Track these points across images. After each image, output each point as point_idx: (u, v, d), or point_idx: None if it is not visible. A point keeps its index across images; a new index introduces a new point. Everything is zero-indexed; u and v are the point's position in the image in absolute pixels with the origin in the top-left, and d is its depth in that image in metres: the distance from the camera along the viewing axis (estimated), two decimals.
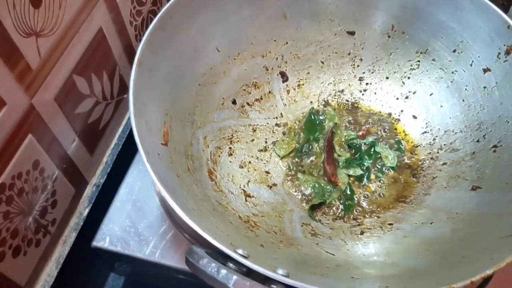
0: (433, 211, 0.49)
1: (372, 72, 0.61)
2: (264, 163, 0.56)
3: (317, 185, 0.54)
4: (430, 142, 0.57)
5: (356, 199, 0.54)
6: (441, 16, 0.54)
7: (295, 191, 0.55)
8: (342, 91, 0.62)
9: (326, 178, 0.55)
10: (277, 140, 0.58)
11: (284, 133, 0.59)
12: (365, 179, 0.55)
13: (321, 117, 0.60)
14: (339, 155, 0.57)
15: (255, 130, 0.58)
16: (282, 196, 0.54)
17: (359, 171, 0.55)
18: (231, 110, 0.58)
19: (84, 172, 0.55)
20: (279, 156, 0.57)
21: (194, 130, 0.52)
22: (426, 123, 0.58)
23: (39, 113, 0.44)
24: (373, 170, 0.56)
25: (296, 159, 0.57)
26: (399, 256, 0.45)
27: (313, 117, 0.60)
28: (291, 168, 0.56)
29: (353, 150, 0.58)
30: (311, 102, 0.61)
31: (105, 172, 0.56)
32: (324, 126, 0.59)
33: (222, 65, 0.57)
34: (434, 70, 0.57)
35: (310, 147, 0.58)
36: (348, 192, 0.54)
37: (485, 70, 0.52)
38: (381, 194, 0.54)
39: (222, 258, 0.35)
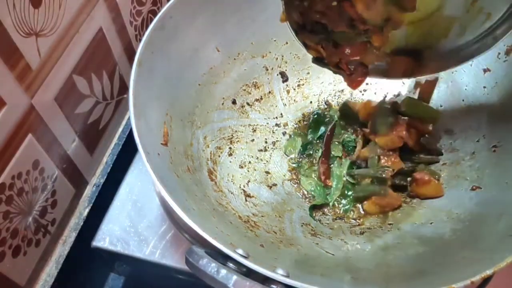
0: (433, 211, 0.49)
1: None
2: (264, 163, 0.56)
3: (318, 186, 0.54)
4: None
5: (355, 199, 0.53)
6: None
7: (295, 191, 0.55)
8: (342, 91, 0.62)
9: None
10: (277, 140, 0.58)
11: (284, 134, 0.59)
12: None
13: (324, 117, 0.60)
14: (336, 156, 0.57)
15: (255, 130, 0.58)
16: (282, 196, 0.54)
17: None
18: (231, 110, 0.58)
19: (84, 172, 0.55)
20: (288, 156, 0.57)
21: (194, 130, 0.52)
22: None
23: (39, 113, 0.44)
24: None
25: (298, 159, 0.57)
26: (399, 256, 0.45)
27: (318, 117, 0.60)
28: (293, 168, 0.56)
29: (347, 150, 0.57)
30: (311, 102, 0.61)
31: (105, 172, 0.56)
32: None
33: (222, 65, 0.57)
34: None
35: (313, 147, 0.58)
36: (347, 193, 0.54)
37: (485, 70, 0.52)
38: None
39: (222, 258, 0.35)
